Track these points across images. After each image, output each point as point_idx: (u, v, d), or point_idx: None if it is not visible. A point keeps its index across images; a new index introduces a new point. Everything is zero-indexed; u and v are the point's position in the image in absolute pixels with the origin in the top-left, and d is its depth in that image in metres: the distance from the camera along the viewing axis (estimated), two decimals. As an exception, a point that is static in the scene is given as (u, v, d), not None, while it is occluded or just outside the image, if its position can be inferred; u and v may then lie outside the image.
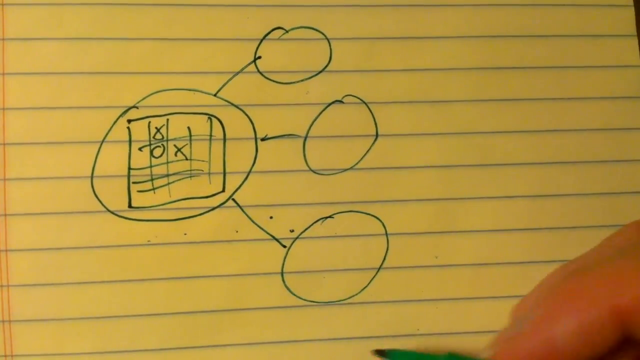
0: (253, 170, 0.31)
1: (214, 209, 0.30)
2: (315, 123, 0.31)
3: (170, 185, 0.30)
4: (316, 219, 0.31)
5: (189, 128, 0.30)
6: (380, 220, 0.31)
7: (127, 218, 0.30)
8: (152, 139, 0.30)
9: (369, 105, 0.31)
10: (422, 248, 0.31)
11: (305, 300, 0.31)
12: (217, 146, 0.30)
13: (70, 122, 0.30)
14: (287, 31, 0.31)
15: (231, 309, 0.30)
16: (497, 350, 0.23)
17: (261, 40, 0.31)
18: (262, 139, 0.31)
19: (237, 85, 0.31)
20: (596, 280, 0.21)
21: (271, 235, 0.31)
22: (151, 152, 0.30)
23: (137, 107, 0.30)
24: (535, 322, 0.22)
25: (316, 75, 0.31)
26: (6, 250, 0.29)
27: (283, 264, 0.31)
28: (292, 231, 0.31)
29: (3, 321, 0.29)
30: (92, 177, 0.30)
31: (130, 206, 0.30)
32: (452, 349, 0.26)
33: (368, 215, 0.31)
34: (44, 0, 0.30)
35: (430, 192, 0.31)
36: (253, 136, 0.31)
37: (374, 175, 0.31)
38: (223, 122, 0.31)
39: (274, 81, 0.31)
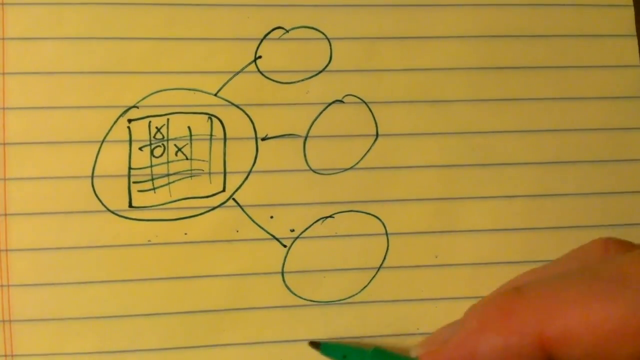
0: (253, 170, 0.30)
1: (214, 208, 0.30)
2: (315, 123, 0.31)
3: (170, 184, 0.30)
4: (316, 219, 0.31)
5: (189, 128, 0.30)
6: (381, 220, 0.31)
7: (127, 218, 0.29)
8: (152, 138, 0.30)
9: (369, 105, 0.31)
10: (422, 247, 0.31)
11: (305, 299, 0.30)
12: (218, 146, 0.30)
13: (70, 122, 0.29)
14: (287, 31, 0.31)
15: (231, 308, 0.30)
16: (423, 353, 0.24)
17: (261, 40, 0.31)
18: (263, 139, 0.30)
19: (237, 85, 0.30)
20: (530, 305, 0.21)
21: (271, 235, 0.30)
22: (151, 151, 0.30)
23: (137, 107, 0.30)
24: (464, 333, 0.23)
25: (316, 75, 0.31)
26: (6, 250, 0.29)
27: (283, 264, 0.30)
28: (292, 231, 0.30)
29: (3, 321, 0.29)
30: (92, 176, 0.29)
31: (130, 206, 0.29)
32: (380, 345, 0.27)
33: (368, 215, 0.31)
34: (44, -1, 0.30)
35: (431, 192, 0.31)
36: (253, 136, 0.30)
37: (374, 175, 0.31)
38: (223, 121, 0.30)
39: (274, 81, 0.31)
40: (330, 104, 0.31)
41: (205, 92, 0.30)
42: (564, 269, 0.24)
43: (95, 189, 0.29)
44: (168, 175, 0.30)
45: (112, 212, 0.29)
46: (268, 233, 0.30)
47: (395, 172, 0.31)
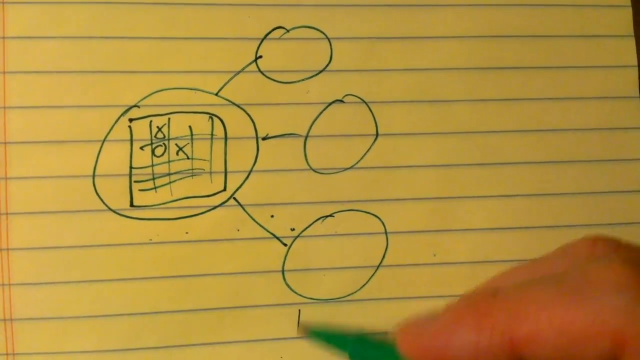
0: (254, 169, 0.30)
1: (215, 207, 0.30)
2: (315, 122, 0.31)
3: (171, 184, 0.30)
4: (317, 218, 0.30)
5: (190, 127, 0.30)
6: (380, 219, 0.31)
7: (128, 217, 0.29)
8: (153, 138, 0.30)
9: (369, 104, 0.31)
10: (420, 246, 0.31)
11: (305, 297, 0.30)
12: (219, 145, 0.30)
13: (71, 121, 0.29)
14: (288, 31, 0.31)
15: (232, 306, 0.30)
16: (402, 334, 0.24)
17: (262, 40, 0.30)
18: (263, 138, 0.30)
19: (238, 85, 0.30)
20: (503, 308, 0.22)
21: (272, 234, 0.30)
22: (153, 151, 0.30)
23: (138, 106, 0.29)
24: (440, 325, 0.23)
25: (317, 74, 0.31)
26: (7, 249, 0.29)
27: (284, 262, 0.30)
28: (292, 230, 0.30)
29: (5, 320, 0.28)
30: (93, 175, 0.29)
31: (131, 205, 0.29)
32: (363, 330, 0.27)
33: (368, 214, 0.31)
34: (44, -2, 0.29)
35: (429, 191, 0.31)
36: (254, 135, 0.30)
37: (374, 174, 0.31)
38: (224, 121, 0.30)
39: (274, 80, 0.30)
40: (330, 104, 0.31)
41: (206, 92, 0.30)
42: (546, 268, 0.25)
43: (97, 188, 0.29)
44: (169, 174, 0.30)
45: (114, 211, 0.29)
46: (268, 232, 0.30)
47: (395, 171, 0.31)
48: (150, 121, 0.29)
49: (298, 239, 0.30)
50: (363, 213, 0.31)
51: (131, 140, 0.29)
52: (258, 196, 0.30)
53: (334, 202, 0.30)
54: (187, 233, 0.29)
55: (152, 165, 0.29)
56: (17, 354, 0.28)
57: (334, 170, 0.31)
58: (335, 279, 0.30)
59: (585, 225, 0.31)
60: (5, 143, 0.29)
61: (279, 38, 0.30)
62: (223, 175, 0.30)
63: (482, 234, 0.31)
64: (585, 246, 0.25)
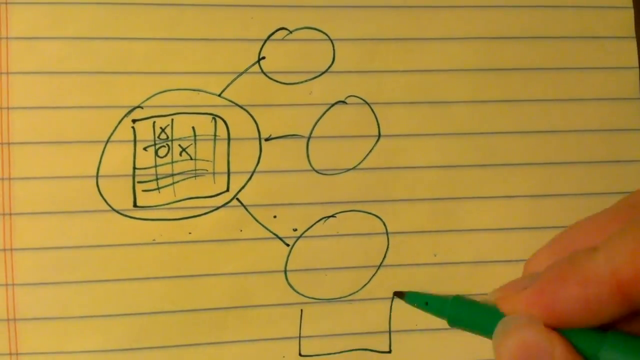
0: (257, 170, 0.30)
1: (218, 208, 0.30)
2: (318, 123, 0.30)
3: (175, 184, 0.29)
4: (319, 218, 0.30)
5: (193, 128, 0.30)
6: (381, 219, 0.31)
7: (132, 217, 0.29)
8: (156, 138, 0.29)
9: (372, 105, 0.31)
10: (421, 246, 0.31)
11: (308, 297, 0.30)
12: (222, 146, 0.30)
13: (74, 122, 0.29)
14: (290, 32, 0.30)
15: (235, 306, 0.30)
16: (501, 296, 0.24)
17: (265, 41, 0.30)
18: (266, 139, 0.30)
19: (241, 86, 0.30)
20: (604, 259, 0.22)
21: (275, 234, 0.30)
22: (156, 151, 0.29)
23: (141, 107, 0.29)
24: (542, 281, 0.23)
25: (319, 75, 0.30)
26: (11, 249, 0.28)
27: (286, 262, 0.30)
28: (295, 230, 0.30)
29: (8, 319, 0.28)
30: (97, 176, 0.29)
31: (135, 205, 0.29)
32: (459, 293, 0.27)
33: (369, 215, 0.31)
34: (47, -1, 0.29)
35: (431, 192, 0.31)
36: (257, 136, 0.30)
37: (376, 175, 0.31)
38: (227, 122, 0.30)
39: (277, 82, 0.30)
40: (333, 105, 0.30)
41: (209, 93, 0.30)
42: (618, 216, 0.25)
43: (100, 189, 0.29)
44: (172, 175, 0.29)
45: (117, 212, 0.29)
46: (271, 232, 0.30)
47: (397, 172, 0.31)
48: (154, 122, 0.29)
49: (300, 239, 0.30)
50: (365, 213, 0.30)
51: (134, 141, 0.29)
52: (261, 197, 0.30)
53: (336, 203, 0.30)
54: (190, 233, 0.29)
55: (156, 166, 0.29)
56: (21, 353, 0.28)
57: (336, 171, 0.30)
58: (337, 279, 0.30)
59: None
60: (8, 144, 0.28)
61: (282, 39, 0.30)
62: (226, 175, 0.30)
63: (483, 235, 0.31)
64: None
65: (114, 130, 0.29)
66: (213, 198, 0.30)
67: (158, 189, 0.29)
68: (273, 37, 0.30)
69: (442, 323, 0.31)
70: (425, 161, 0.31)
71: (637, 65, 0.32)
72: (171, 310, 0.29)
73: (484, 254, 0.31)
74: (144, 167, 0.29)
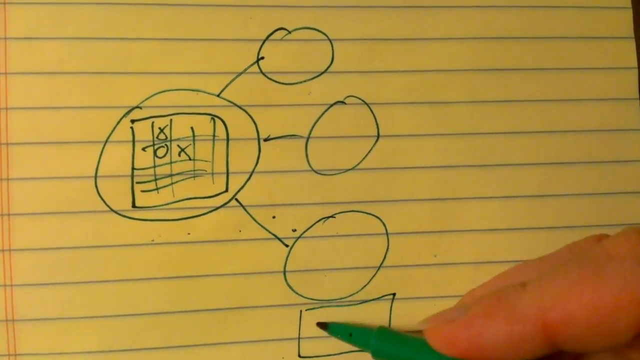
0: (256, 170, 0.30)
1: (217, 208, 0.29)
2: (317, 124, 0.30)
3: (173, 185, 0.29)
4: (318, 219, 0.30)
5: (192, 128, 0.29)
6: (381, 220, 0.30)
7: (130, 218, 0.29)
8: (155, 139, 0.29)
9: (371, 106, 0.30)
10: (421, 247, 0.31)
11: (307, 298, 0.30)
12: (220, 146, 0.30)
13: (73, 122, 0.28)
14: (289, 32, 0.30)
15: (234, 307, 0.29)
16: (429, 327, 0.25)
17: (264, 41, 0.30)
18: (265, 140, 0.30)
19: (240, 86, 0.30)
20: (533, 297, 0.23)
21: (274, 235, 0.30)
22: (155, 152, 0.29)
23: (140, 107, 0.29)
24: (470, 315, 0.24)
25: (318, 76, 0.30)
26: (10, 250, 0.28)
27: (285, 263, 0.30)
28: (294, 231, 0.30)
29: (7, 320, 0.28)
30: (95, 177, 0.29)
31: (134, 206, 0.29)
32: (384, 324, 0.28)
33: (369, 215, 0.30)
34: (46, -1, 0.29)
35: (430, 192, 0.31)
36: (256, 136, 0.30)
37: (375, 175, 0.30)
38: (226, 122, 0.30)
39: (276, 82, 0.30)
40: (332, 105, 0.30)
41: (208, 93, 0.29)
42: (561, 259, 0.25)
43: (99, 189, 0.29)
44: (171, 175, 0.29)
45: (116, 212, 0.29)
46: (270, 233, 0.30)
47: (396, 172, 0.30)
48: (152, 122, 0.29)
49: (299, 239, 0.30)
50: (364, 214, 0.30)
51: (133, 142, 0.29)
52: (260, 197, 0.30)
53: (336, 203, 0.30)
54: (189, 234, 0.29)
55: (154, 167, 0.29)
56: (19, 354, 0.28)
57: (336, 172, 0.30)
58: (337, 280, 0.30)
59: (585, 226, 0.31)
60: (7, 144, 0.28)
61: (281, 39, 0.30)
62: (225, 176, 0.29)
63: (483, 235, 0.31)
64: (591, 241, 0.25)
65: (112, 131, 0.29)
66: (212, 198, 0.29)
67: (157, 189, 0.29)
68: (272, 37, 0.30)
69: (441, 324, 0.31)
70: (424, 161, 0.31)
71: (636, 65, 0.32)
72: (170, 310, 0.29)
73: (484, 254, 0.31)
74: (143, 167, 0.29)
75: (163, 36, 0.29)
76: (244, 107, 0.30)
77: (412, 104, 0.31)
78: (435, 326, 0.25)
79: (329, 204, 0.30)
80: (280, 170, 0.30)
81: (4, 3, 0.28)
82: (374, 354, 0.27)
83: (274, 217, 0.30)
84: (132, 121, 0.29)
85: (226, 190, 0.29)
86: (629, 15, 0.32)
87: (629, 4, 0.32)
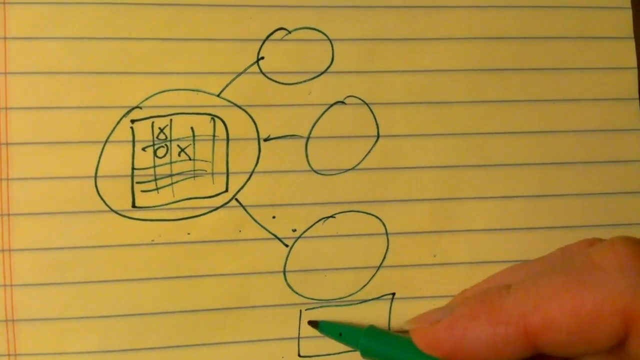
0: (256, 170, 0.30)
1: (217, 208, 0.29)
2: (317, 124, 0.30)
3: (173, 185, 0.29)
4: (318, 219, 0.30)
5: (192, 128, 0.29)
6: (381, 220, 0.30)
7: (130, 218, 0.29)
8: (155, 139, 0.29)
9: (371, 106, 0.30)
10: (421, 247, 0.30)
11: (307, 298, 0.30)
12: (220, 146, 0.29)
13: (73, 122, 0.28)
14: (289, 32, 0.30)
15: (234, 307, 0.29)
16: (415, 328, 0.25)
17: (264, 41, 0.30)
18: (265, 140, 0.30)
19: (240, 86, 0.29)
20: (516, 300, 0.23)
21: (274, 235, 0.30)
22: (155, 152, 0.29)
23: (140, 107, 0.29)
24: (454, 316, 0.24)
25: (318, 76, 0.30)
26: (9, 250, 0.28)
27: (285, 263, 0.30)
28: (294, 231, 0.30)
29: (7, 320, 0.28)
30: (95, 176, 0.28)
31: (134, 206, 0.29)
32: (374, 324, 0.28)
33: (369, 215, 0.30)
34: (46, -1, 0.29)
35: (430, 192, 0.30)
36: (256, 136, 0.30)
37: (375, 175, 0.30)
38: (226, 122, 0.29)
39: (276, 82, 0.30)
40: (332, 105, 0.30)
41: (208, 93, 0.29)
42: (548, 264, 0.26)
43: (99, 189, 0.28)
44: (171, 175, 0.29)
45: (116, 212, 0.28)
46: (270, 233, 0.29)
47: (396, 172, 0.30)
48: (152, 122, 0.29)
49: (299, 239, 0.30)
50: (364, 214, 0.30)
51: (133, 142, 0.29)
52: (260, 197, 0.29)
53: (335, 203, 0.30)
54: (189, 234, 0.29)
55: (154, 167, 0.29)
56: (19, 354, 0.28)
57: (336, 172, 0.30)
58: (337, 280, 0.30)
59: (585, 226, 0.31)
60: (7, 144, 0.28)
61: (281, 39, 0.30)
62: (225, 176, 0.29)
63: (482, 235, 0.31)
64: (582, 246, 0.25)
65: (112, 131, 0.28)
66: (212, 198, 0.29)
67: (157, 189, 0.29)
68: (272, 37, 0.30)
69: (441, 323, 0.30)
70: (424, 161, 0.30)
71: (635, 65, 0.32)
72: (170, 310, 0.29)
73: (483, 254, 0.31)
74: (143, 167, 0.29)
75: (163, 36, 0.29)
76: (244, 107, 0.29)
77: (412, 104, 0.30)
78: (420, 327, 0.25)
79: (329, 204, 0.30)
80: (280, 170, 0.29)
81: (4, 3, 0.28)
82: (362, 353, 0.28)
83: (274, 217, 0.29)
84: (132, 121, 0.29)
85: (226, 190, 0.29)
86: (629, 15, 0.32)
87: (629, 4, 0.32)
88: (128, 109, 0.29)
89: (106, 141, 0.28)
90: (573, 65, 0.31)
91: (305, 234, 0.29)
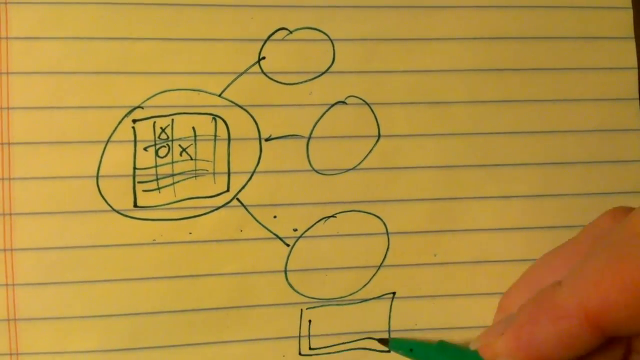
0: (257, 170, 0.29)
1: (218, 208, 0.29)
2: (318, 124, 0.30)
3: (175, 184, 0.29)
4: (319, 218, 0.30)
5: (193, 128, 0.29)
6: (382, 220, 0.30)
7: (132, 217, 0.28)
8: (157, 138, 0.29)
9: (372, 106, 0.30)
10: (421, 246, 0.30)
11: (308, 297, 0.30)
12: (222, 146, 0.29)
13: (75, 122, 0.28)
14: (291, 32, 0.30)
15: (235, 306, 0.29)
16: (482, 345, 0.25)
17: (265, 41, 0.30)
18: (266, 139, 0.30)
19: (241, 86, 0.29)
20: (570, 293, 0.23)
21: (275, 234, 0.29)
22: (156, 152, 0.29)
23: (142, 107, 0.29)
24: (516, 326, 0.24)
25: (319, 76, 0.30)
26: (11, 250, 0.28)
27: (286, 262, 0.29)
28: (295, 230, 0.30)
29: (8, 319, 0.28)
30: (97, 176, 0.28)
31: (135, 205, 0.29)
32: (443, 339, 0.27)
33: (370, 215, 0.30)
34: (48, -1, 0.28)
35: (431, 192, 0.30)
36: (257, 136, 0.29)
37: (376, 175, 0.30)
38: (227, 122, 0.29)
39: (277, 82, 0.30)
40: (333, 105, 0.30)
41: (210, 93, 0.29)
42: (582, 247, 0.26)
43: (100, 189, 0.28)
44: (173, 175, 0.29)
45: (117, 212, 0.28)
46: (271, 232, 0.29)
47: (397, 172, 0.30)
48: (154, 122, 0.29)
49: (300, 239, 0.30)
50: (365, 214, 0.30)
51: (135, 141, 0.29)
52: (261, 197, 0.29)
53: (336, 203, 0.30)
54: (190, 233, 0.29)
55: (156, 166, 0.29)
56: (21, 353, 0.28)
57: (336, 172, 0.30)
58: (337, 279, 0.30)
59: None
60: (9, 144, 0.28)
61: (282, 39, 0.30)
62: (226, 176, 0.29)
63: (483, 235, 0.31)
64: (606, 219, 0.25)
65: (114, 131, 0.28)
66: (213, 198, 0.29)
67: (158, 189, 0.29)
68: (273, 37, 0.29)
69: (441, 322, 0.30)
70: (425, 161, 0.30)
71: (636, 65, 0.32)
72: (171, 310, 0.29)
73: (484, 254, 0.30)
74: (144, 167, 0.29)
75: (164, 36, 0.29)
76: (245, 107, 0.29)
77: (413, 104, 0.30)
78: (487, 343, 0.25)
79: (330, 203, 0.30)
80: (282, 170, 0.29)
81: (5, 3, 0.28)
82: None
83: (275, 217, 0.29)
84: (134, 121, 0.28)
85: (227, 190, 0.29)
86: (629, 15, 0.32)
87: (629, 4, 0.31)
88: (130, 108, 0.28)
89: (108, 141, 0.28)
90: (573, 65, 0.31)
91: (306, 234, 0.29)
